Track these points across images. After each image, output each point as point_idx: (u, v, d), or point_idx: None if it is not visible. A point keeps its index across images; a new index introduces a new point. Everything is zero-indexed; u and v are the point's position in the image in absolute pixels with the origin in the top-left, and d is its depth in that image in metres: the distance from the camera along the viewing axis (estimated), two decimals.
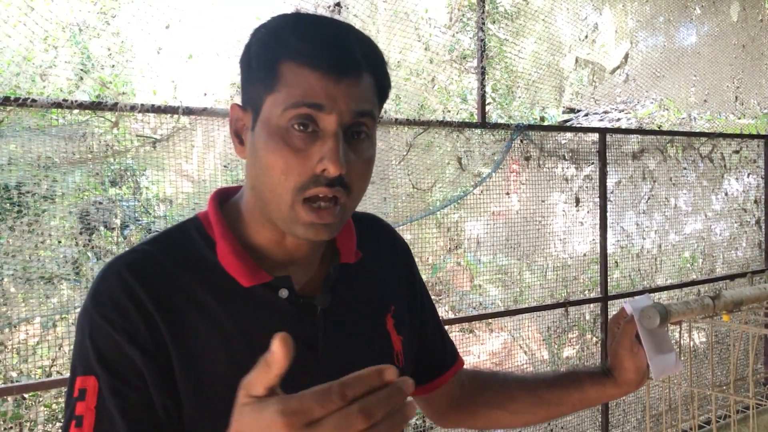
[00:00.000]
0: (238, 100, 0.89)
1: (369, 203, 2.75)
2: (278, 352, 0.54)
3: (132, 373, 0.78)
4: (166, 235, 0.90)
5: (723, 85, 4.17)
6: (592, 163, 3.52)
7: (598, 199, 3.52)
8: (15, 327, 2.17)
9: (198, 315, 0.83)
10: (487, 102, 3.09)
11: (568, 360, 3.63)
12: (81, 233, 2.28)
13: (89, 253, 2.30)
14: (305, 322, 0.88)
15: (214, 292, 0.84)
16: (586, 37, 3.61)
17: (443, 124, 2.94)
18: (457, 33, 3.24)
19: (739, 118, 4.33)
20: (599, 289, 3.54)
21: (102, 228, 2.38)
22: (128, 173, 2.53)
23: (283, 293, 0.86)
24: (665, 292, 3.89)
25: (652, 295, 3.57)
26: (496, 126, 3.13)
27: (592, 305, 3.58)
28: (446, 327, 1.22)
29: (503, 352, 3.70)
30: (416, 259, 1.15)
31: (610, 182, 3.58)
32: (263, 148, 0.80)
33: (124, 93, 2.36)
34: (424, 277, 1.16)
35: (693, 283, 4.03)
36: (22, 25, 2.10)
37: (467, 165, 3.05)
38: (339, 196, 0.81)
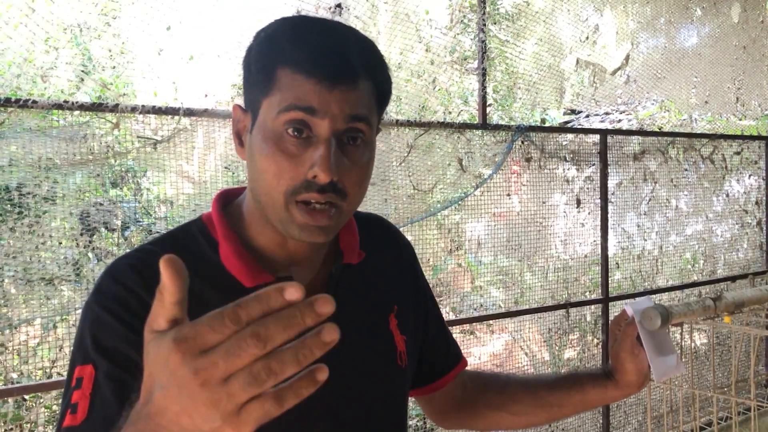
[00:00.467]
0: (239, 101, 0.90)
1: (370, 204, 2.75)
2: (164, 276, 0.49)
3: (131, 362, 0.77)
4: (169, 235, 0.90)
5: (724, 86, 4.17)
6: (593, 165, 3.52)
7: (599, 201, 3.52)
8: (15, 328, 2.17)
9: (200, 314, 0.82)
10: (488, 103, 3.09)
11: (569, 361, 3.63)
12: (82, 234, 2.28)
13: (90, 255, 2.30)
14: None
15: (216, 291, 0.84)
16: (587, 38, 3.61)
17: (444, 125, 2.94)
18: (458, 34, 3.23)
19: (740, 120, 4.33)
20: (600, 291, 3.54)
21: (103, 229, 2.38)
22: (129, 174, 2.53)
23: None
24: (666, 293, 3.89)
25: (653, 296, 3.57)
26: (497, 127, 3.13)
27: (593, 307, 3.58)
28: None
29: (504, 353, 3.70)
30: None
31: (611, 183, 3.58)
32: (258, 151, 0.81)
33: (124, 94, 2.36)
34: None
35: (694, 284, 4.02)
36: (23, 27, 2.10)
37: (468, 166, 3.05)
38: (333, 201, 0.81)
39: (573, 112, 4.30)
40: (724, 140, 4.18)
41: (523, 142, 3.23)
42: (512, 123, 3.27)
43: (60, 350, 2.26)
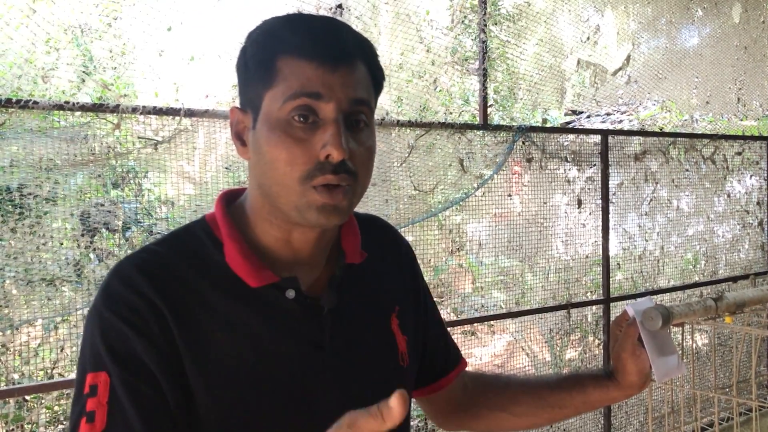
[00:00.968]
0: (238, 103, 0.90)
1: (371, 205, 2.75)
2: (397, 412, 0.56)
3: (143, 367, 0.78)
4: (173, 236, 0.90)
5: (725, 86, 4.17)
6: (594, 165, 3.52)
7: (600, 201, 3.51)
8: (17, 329, 2.17)
9: (206, 315, 0.83)
10: (489, 104, 3.09)
11: (570, 362, 3.63)
12: (83, 235, 2.28)
13: (91, 255, 2.30)
14: (312, 322, 0.88)
15: (221, 292, 0.85)
16: (588, 38, 3.61)
17: (445, 125, 2.94)
18: (459, 35, 3.23)
19: (742, 120, 4.33)
20: (601, 291, 3.53)
21: (104, 230, 2.38)
22: (130, 175, 2.53)
23: (290, 293, 0.87)
24: (667, 294, 3.89)
25: (654, 297, 3.56)
26: (498, 128, 3.12)
27: (594, 307, 3.58)
28: (448, 329, 1.22)
29: (505, 354, 3.70)
30: (418, 261, 1.15)
31: (612, 184, 3.58)
32: (266, 143, 0.82)
33: (125, 95, 2.37)
34: (426, 278, 1.16)
35: (695, 285, 4.02)
36: (24, 28, 2.10)
37: (469, 167, 3.05)
38: (346, 183, 0.82)
39: (574, 112, 4.30)
40: (725, 141, 4.18)
41: (524, 143, 3.23)
42: (513, 123, 3.27)
43: (61, 351, 2.26)
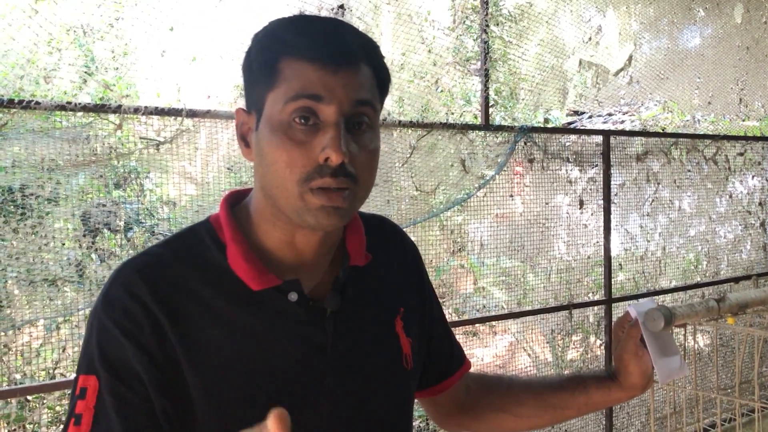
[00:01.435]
0: (241, 102, 0.90)
1: (372, 205, 2.75)
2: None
3: (134, 376, 0.78)
4: (177, 237, 0.90)
5: (727, 87, 4.17)
6: (596, 166, 3.51)
7: (602, 202, 3.51)
8: (19, 329, 2.18)
9: (208, 318, 0.83)
10: (490, 104, 3.08)
11: (572, 363, 3.63)
12: (85, 235, 2.28)
13: (93, 256, 2.30)
14: (315, 325, 0.88)
15: (224, 295, 0.85)
16: (590, 39, 3.61)
17: (447, 126, 2.94)
18: (460, 35, 3.24)
19: (744, 120, 4.33)
20: (603, 292, 3.53)
21: (106, 230, 2.38)
22: (132, 175, 2.53)
23: (293, 296, 0.87)
24: (669, 294, 3.88)
25: (656, 297, 3.56)
26: (500, 128, 3.12)
27: (596, 308, 3.57)
28: None
29: (507, 354, 3.70)
30: None
31: (614, 184, 3.58)
32: (267, 144, 0.82)
33: (127, 95, 2.37)
34: None
35: (697, 285, 4.01)
36: (26, 28, 2.11)
37: (471, 167, 3.05)
38: (346, 185, 0.81)
39: (576, 113, 4.30)
40: (727, 141, 4.18)
41: (525, 143, 3.23)
42: (515, 124, 3.26)
43: (63, 351, 2.26)
